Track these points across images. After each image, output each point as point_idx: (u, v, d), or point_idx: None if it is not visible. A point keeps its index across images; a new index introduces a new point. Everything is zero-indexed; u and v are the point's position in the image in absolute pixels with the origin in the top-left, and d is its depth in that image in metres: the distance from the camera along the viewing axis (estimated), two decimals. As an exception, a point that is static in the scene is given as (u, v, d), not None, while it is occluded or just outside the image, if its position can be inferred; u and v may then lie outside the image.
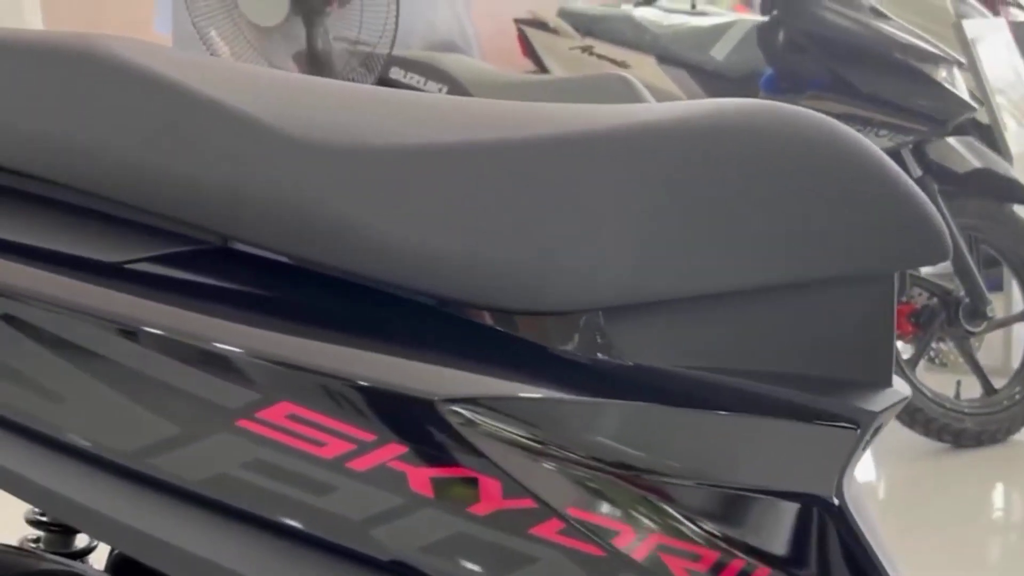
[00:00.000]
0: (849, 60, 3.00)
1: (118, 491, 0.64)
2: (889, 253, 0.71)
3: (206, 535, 0.64)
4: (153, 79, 0.66)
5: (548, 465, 0.64)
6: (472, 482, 0.63)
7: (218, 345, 0.63)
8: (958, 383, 3.12)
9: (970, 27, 3.31)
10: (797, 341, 0.70)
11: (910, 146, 3.00)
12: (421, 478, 0.63)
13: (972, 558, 2.61)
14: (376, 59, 2.70)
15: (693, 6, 4.23)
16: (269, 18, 2.59)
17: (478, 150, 0.67)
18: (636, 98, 2.53)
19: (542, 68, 3.71)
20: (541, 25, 3.77)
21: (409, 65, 2.86)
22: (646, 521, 0.65)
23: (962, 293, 3.00)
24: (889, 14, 3.09)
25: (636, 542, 0.65)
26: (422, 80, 2.86)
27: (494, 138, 0.67)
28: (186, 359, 0.63)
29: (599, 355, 0.67)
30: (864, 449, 0.71)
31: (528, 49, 3.77)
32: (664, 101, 2.88)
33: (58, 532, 0.89)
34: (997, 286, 3.48)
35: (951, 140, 3.07)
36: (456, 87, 2.82)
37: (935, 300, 3.04)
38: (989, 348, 3.36)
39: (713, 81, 3.47)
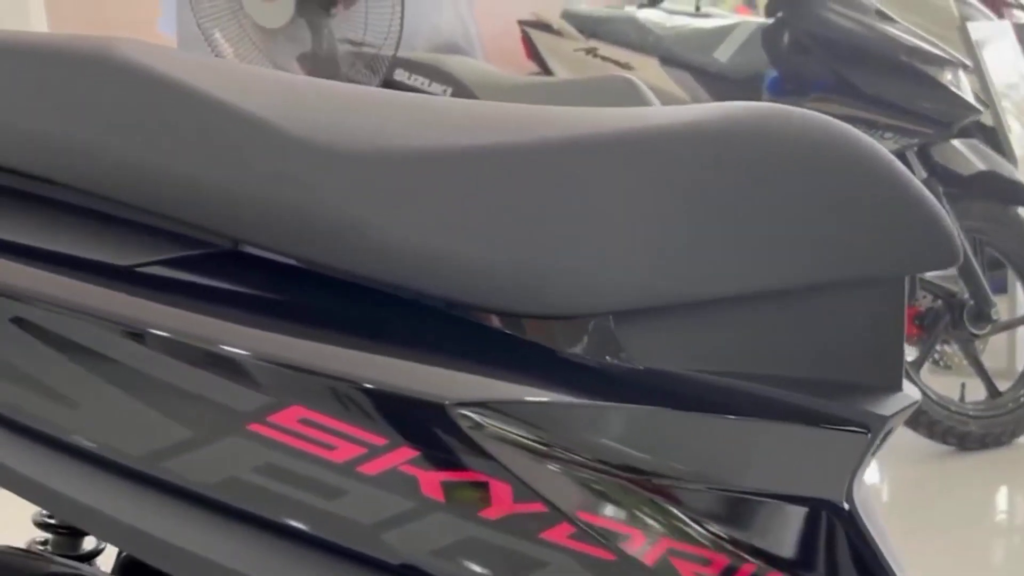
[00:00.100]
0: (854, 62, 3.00)
1: (127, 494, 0.64)
2: (899, 257, 0.71)
3: (215, 538, 0.64)
4: (164, 82, 0.66)
5: (559, 469, 0.64)
6: (483, 486, 0.63)
7: (229, 349, 0.63)
8: (963, 386, 3.12)
9: (975, 29, 3.31)
10: (807, 345, 0.70)
11: (915, 148, 2.99)
12: (432, 482, 0.63)
13: (977, 561, 2.60)
14: (381, 61, 2.70)
15: (697, 8, 4.22)
16: (274, 20, 2.59)
17: (489, 153, 0.67)
18: (641, 100, 2.53)
19: (545, 70, 3.71)
20: (545, 27, 3.77)
21: (413, 67, 2.86)
22: (656, 525, 0.65)
23: (966, 295, 3.00)
24: (894, 16, 3.09)
25: (646, 546, 0.65)
26: (426, 82, 2.85)
27: (505, 141, 0.67)
28: (197, 363, 0.63)
29: (609, 359, 0.67)
30: (874, 453, 0.71)
31: (532, 51, 3.77)
32: (667, 103, 2.88)
33: (65, 534, 0.89)
34: (1001, 288, 3.48)
35: (956, 143, 3.07)
36: (460, 89, 2.82)
37: (939, 302, 3.04)
38: (993, 351, 3.36)
39: (716, 83, 3.47)
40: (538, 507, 0.64)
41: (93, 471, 0.64)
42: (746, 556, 0.66)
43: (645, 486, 0.65)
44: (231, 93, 0.67)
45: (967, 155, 3.05)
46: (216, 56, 2.61)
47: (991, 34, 3.44)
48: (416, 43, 2.96)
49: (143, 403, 0.63)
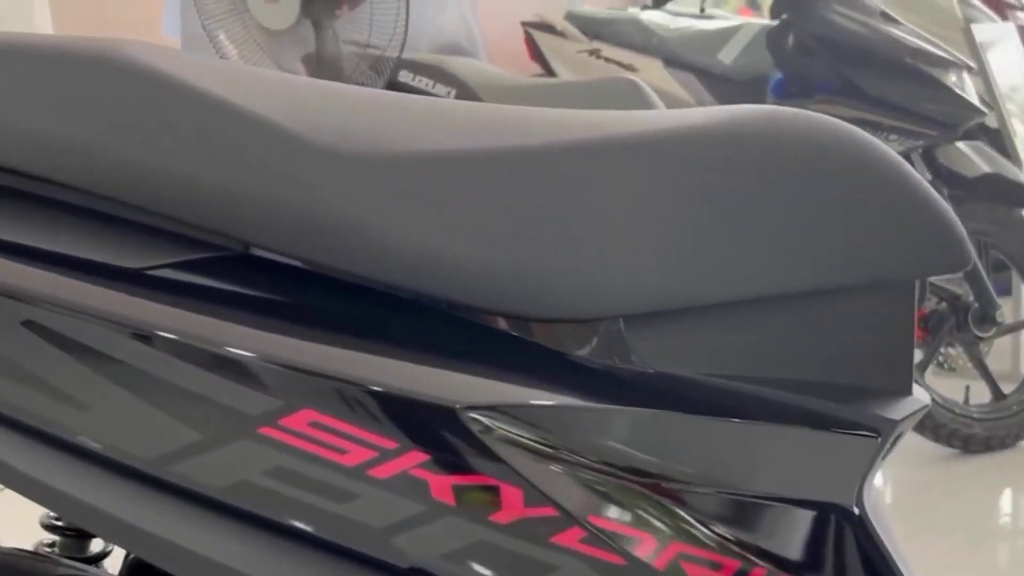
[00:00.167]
0: (858, 64, 3.00)
1: (135, 496, 0.64)
2: (909, 261, 0.71)
3: (223, 540, 0.64)
4: (173, 84, 0.66)
5: (570, 473, 0.64)
6: (494, 490, 0.63)
7: (240, 352, 0.63)
8: (967, 388, 3.12)
9: (979, 31, 3.31)
10: (817, 349, 0.70)
11: (919, 151, 2.99)
12: (443, 486, 0.63)
13: (981, 564, 2.60)
14: (386, 62, 2.70)
15: (702, 10, 4.23)
16: (279, 21, 2.59)
17: (499, 156, 0.67)
18: (645, 101, 2.53)
19: (549, 71, 3.72)
20: (548, 28, 3.78)
21: (418, 68, 2.86)
22: (666, 529, 0.65)
23: (971, 298, 3.00)
24: (899, 18, 3.08)
25: (657, 550, 0.65)
26: (431, 83, 2.86)
27: (515, 145, 0.67)
28: (207, 366, 0.63)
29: (619, 362, 0.67)
30: (884, 457, 0.71)
31: (535, 52, 3.77)
32: (671, 104, 2.88)
33: (73, 537, 0.89)
34: (1006, 291, 3.48)
35: (960, 145, 3.07)
36: (464, 90, 2.82)
37: (944, 305, 3.04)
38: (998, 353, 3.35)
39: (720, 84, 3.47)
40: (549, 511, 0.63)
41: (102, 473, 0.64)
42: (756, 560, 0.66)
43: (655, 490, 0.65)
44: (239, 95, 0.67)
45: (972, 157, 3.05)
46: (220, 57, 2.61)
47: (995, 36, 3.43)
48: (420, 44, 2.96)
49: (154, 406, 0.63)
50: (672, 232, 0.67)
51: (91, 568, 0.86)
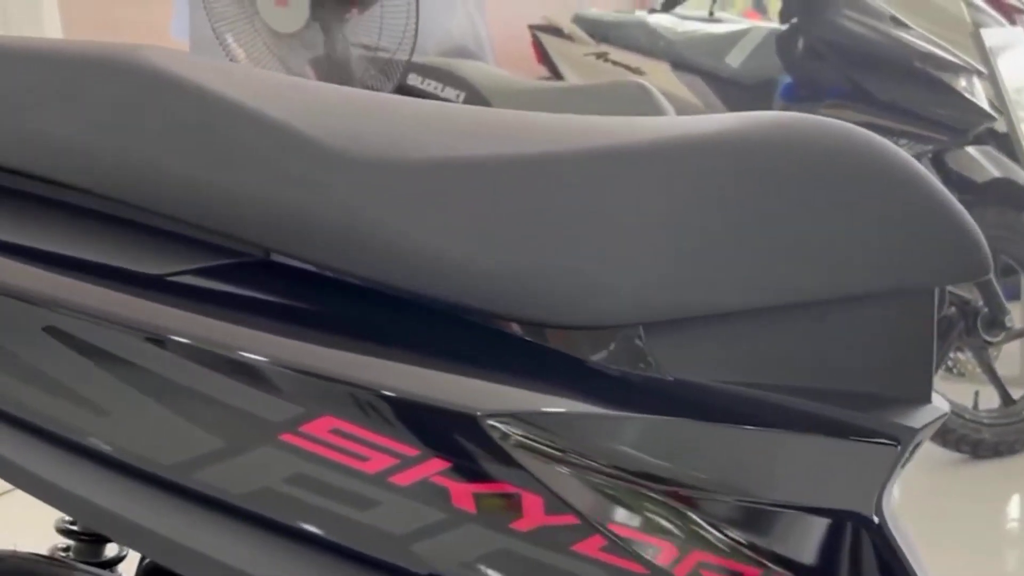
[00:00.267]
0: (868, 68, 2.99)
1: (154, 500, 0.64)
2: (929, 268, 0.70)
3: (242, 546, 0.64)
4: (195, 90, 0.66)
5: (590, 481, 0.64)
6: (514, 498, 0.63)
7: (261, 358, 0.63)
8: (976, 393, 3.11)
9: (989, 36, 3.30)
10: (836, 357, 0.70)
11: (929, 155, 2.99)
12: (464, 493, 0.63)
13: (989, 569, 2.59)
14: (395, 66, 2.69)
15: (711, 13, 4.22)
16: (289, 24, 2.59)
17: (518, 163, 0.67)
18: (654, 105, 2.53)
19: (556, 74, 3.72)
20: (556, 31, 3.77)
21: (427, 72, 2.86)
22: (687, 538, 0.65)
23: (980, 303, 2.99)
24: (908, 22, 3.08)
25: (677, 559, 0.65)
26: (440, 86, 2.86)
27: (533, 151, 0.67)
28: (228, 372, 0.63)
29: (639, 370, 0.67)
30: (904, 466, 0.70)
31: (543, 55, 3.77)
32: (679, 108, 2.88)
33: (88, 541, 0.89)
34: (1015, 295, 3.47)
35: (970, 149, 3.07)
36: (473, 94, 2.82)
37: (953, 310, 3.03)
38: (1007, 358, 3.35)
39: (728, 88, 3.47)
40: (570, 519, 0.63)
41: (121, 478, 0.64)
42: (776, 569, 0.66)
43: (675, 498, 0.65)
44: (258, 101, 0.67)
45: (981, 162, 3.05)
46: (229, 60, 2.61)
47: (1005, 41, 3.43)
48: (427, 47, 2.96)
49: (174, 412, 0.63)
50: (691, 239, 0.66)
51: (106, 572, 0.86)
